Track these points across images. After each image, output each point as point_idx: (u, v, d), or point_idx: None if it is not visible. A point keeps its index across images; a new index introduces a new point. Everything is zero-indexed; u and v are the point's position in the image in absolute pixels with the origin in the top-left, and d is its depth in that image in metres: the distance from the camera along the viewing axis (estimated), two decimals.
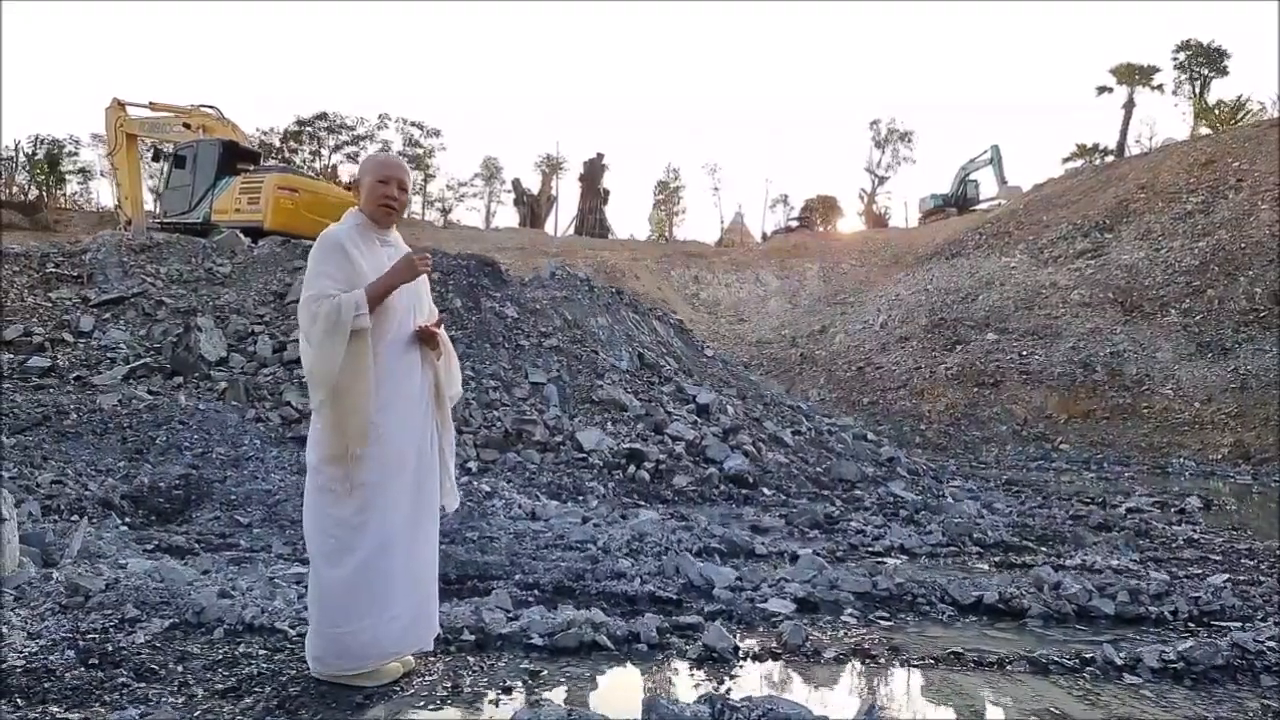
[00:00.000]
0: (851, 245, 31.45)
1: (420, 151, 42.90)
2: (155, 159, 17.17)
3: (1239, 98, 34.16)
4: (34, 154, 39.02)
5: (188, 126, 14.71)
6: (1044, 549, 5.40)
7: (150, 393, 7.52)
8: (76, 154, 40.47)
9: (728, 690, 2.59)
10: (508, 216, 48.47)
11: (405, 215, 2.84)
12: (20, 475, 5.42)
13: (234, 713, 2.32)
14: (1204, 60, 35.91)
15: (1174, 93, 37.39)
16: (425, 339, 2.62)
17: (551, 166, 44.98)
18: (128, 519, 5.06)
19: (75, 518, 4.75)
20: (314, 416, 2.58)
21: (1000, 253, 23.26)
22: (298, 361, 8.34)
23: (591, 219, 39.11)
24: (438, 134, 44.38)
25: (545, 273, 11.73)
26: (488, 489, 6.22)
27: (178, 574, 3.38)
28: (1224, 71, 36.01)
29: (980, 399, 17.28)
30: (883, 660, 2.96)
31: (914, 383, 18.55)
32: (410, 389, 2.59)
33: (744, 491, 7.44)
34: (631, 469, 7.55)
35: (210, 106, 15.02)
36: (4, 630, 2.76)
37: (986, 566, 4.85)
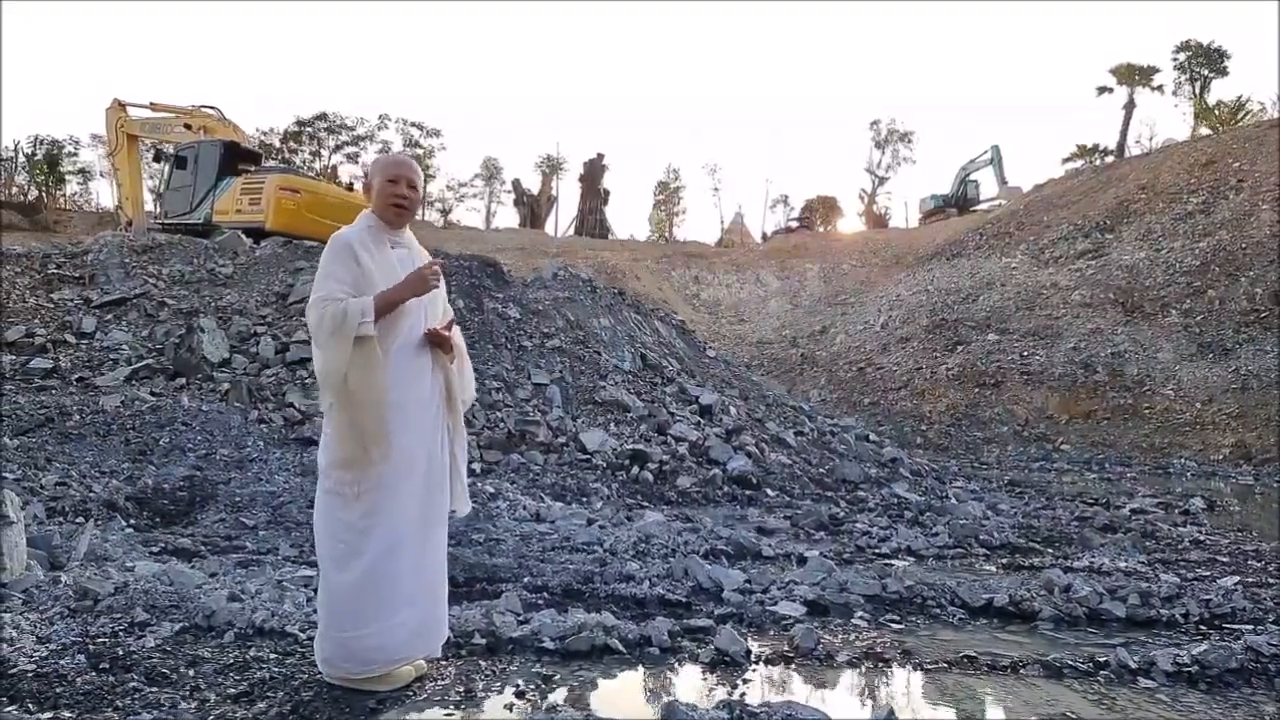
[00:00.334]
0: (852, 246, 31.45)
1: (420, 152, 42.87)
2: (156, 160, 17.15)
3: (1239, 98, 34.22)
4: (33, 154, 38.98)
5: (189, 127, 14.70)
6: (1051, 551, 5.39)
7: (153, 394, 7.50)
8: (76, 154, 40.48)
9: (742, 695, 2.58)
10: (508, 217, 48.53)
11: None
12: (24, 477, 5.41)
13: (247, 717, 2.30)
14: (1204, 60, 35.95)
15: (1174, 93, 37.48)
16: (437, 342, 2.61)
17: (551, 167, 44.99)
18: (132, 521, 5.04)
19: (80, 520, 4.74)
20: (325, 420, 2.57)
21: (1001, 253, 23.27)
22: (300, 362, 8.33)
23: (592, 219, 39.11)
24: (438, 134, 44.48)
25: (547, 273, 11.72)
26: (492, 490, 6.20)
27: (186, 577, 3.36)
28: (1224, 72, 36.07)
29: (981, 399, 17.28)
30: (896, 664, 2.95)
31: (915, 383, 18.55)
32: (420, 392, 2.57)
33: (748, 493, 7.43)
34: (635, 470, 7.53)
35: (211, 107, 15.01)
36: (13, 634, 2.74)
37: (994, 568, 4.84)
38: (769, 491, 7.57)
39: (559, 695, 2.57)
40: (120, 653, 2.67)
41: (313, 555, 4.22)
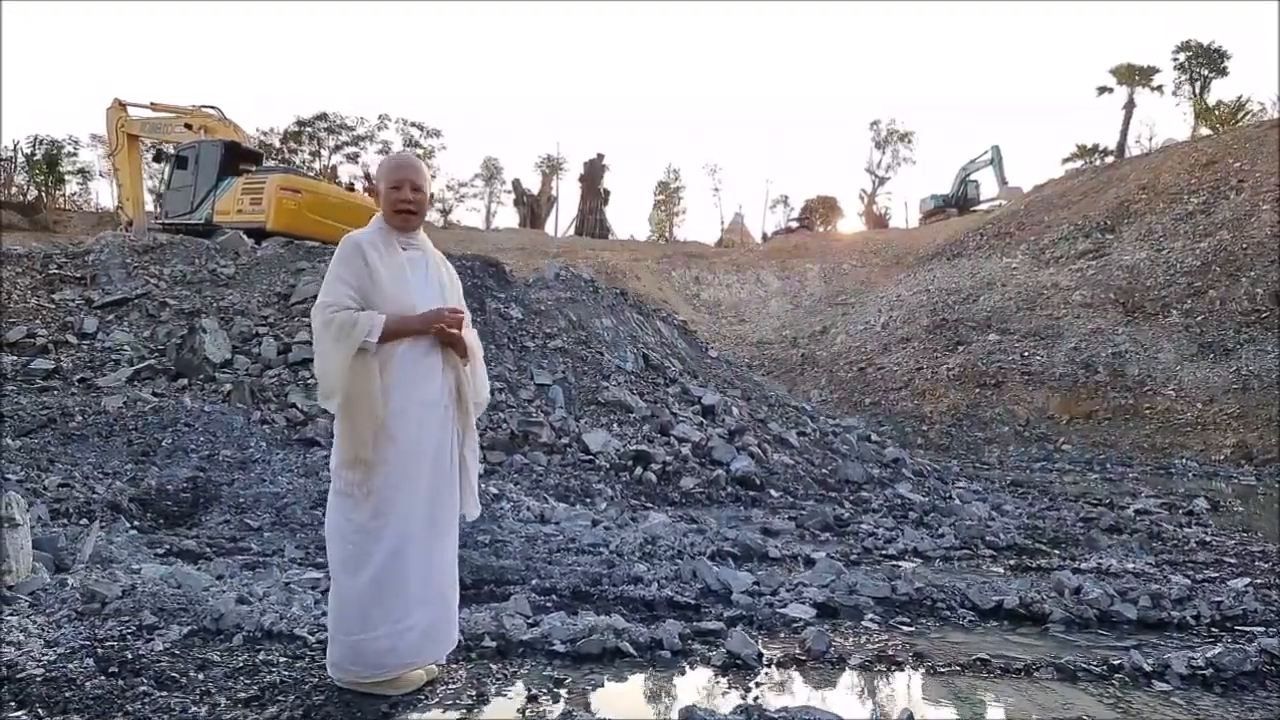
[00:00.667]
0: (852, 246, 31.45)
1: (420, 152, 42.83)
2: (156, 160, 17.13)
3: (1239, 98, 34.24)
4: (33, 154, 38.93)
5: (189, 127, 14.68)
6: (1057, 552, 5.38)
7: (155, 395, 7.48)
8: (75, 154, 40.42)
9: (756, 699, 2.57)
10: (508, 217, 48.48)
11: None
12: (27, 478, 5.39)
13: None
14: (1204, 61, 35.97)
15: (1174, 93, 37.48)
16: (449, 342, 2.58)
17: (552, 167, 44.98)
18: (136, 522, 5.02)
19: (84, 521, 4.72)
20: (335, 420, 2.56)
21: (1001, 253, 23.27)
22: (302, 363, 8.31)
23: (592, 219, 39.10)
24: (438, 134, 44.46)
25: (549, 274, 11.70)
26: (495, 491, 6.18)
27: (193, 579, 3.34)
28: (1224, 72, 36.10)
29: (982, 400, 17.27)
30: (908, 667, 2.93)
31: (916, 383, 18.53)
32: (428, 393, 2.55)
33: (751, 493, 7.42)
34: (638, 471, 7.51)
35: (212, 107, 14.98)
36: (21, 637, 2.72)
37: (1002, 570, 4.83)
38: (772, 492, 7.56)
39: (572, 699, 2.56)
40: (129, 656, 2.64)
41: (319, 557, 4.22)
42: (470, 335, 2.66)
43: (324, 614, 3.09)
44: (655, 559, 4.43)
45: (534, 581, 3.84)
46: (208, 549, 4.35)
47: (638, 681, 2.75)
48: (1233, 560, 5.23)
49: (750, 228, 45.19)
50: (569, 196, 43.72)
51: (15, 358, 7.94)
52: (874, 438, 10.97)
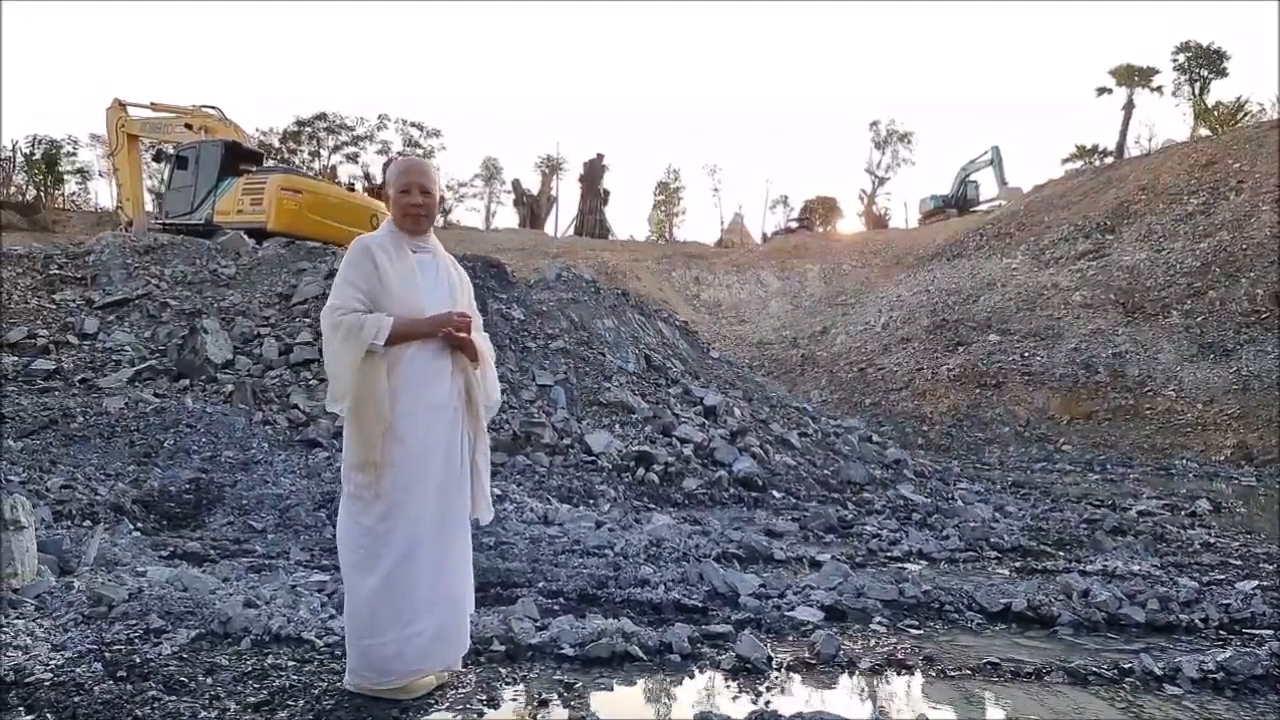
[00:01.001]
0: (852, 246, 31.44)
1: (420, 152, 42.80)
2: (156, 160, 17.10)
3: (1238, 99, 34.26)
4: (32, 154, 38.87)
5: (189, 127, 14.64)
6: (1062, 554, 5.38)
7: (156, 395, 7.46)
8: (74, 154, 40.36)
9: (768, 703, 2.56)
10: (507, 217, 48.45)
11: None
12: (30, 480, 5.37)
13: None
14: (1203, 62, 35.99)
15: (1173, 94, 37.50)
16: (459, 346, 2.57)
17: (551, 167, 44.96)
18: (139, 524, 5.00)
19: (88, 523, 4.70)
20: (345, 423, 2.55)
21: (1001, 254, 23.27)
22: (304, 364, 8.29)
23: (591, 220, 39.09)
24: (438, 134, 44.36)
25: (551, 274, 11.69)
26: (498, 492, 6.17)
27: (200, 582, 3.33)
28: (1223, 73, 36.11)
29: (982, 400, 17.27)
30: (918, 671, 2.93)
31: (916, 384, 18.53)
32: (436, 396, 2.54)
33: (754, 494, 7.41)
34: (641, 472, 7.50)
35: (212, 107, 14.95)
36: (28, 641, 2.71)
37: (1007, 572, 4.82)
38: (775, 493, 7.55)
39: (582, 703, 2.55)
40: (137, 660, 2.63)
41: (324, 559, 4.21)
42: (481, 339, 2.65)
43: (331, 617, 3.09)
44: (661, 561, 4.42)
45: (540, 584, 3.83)
46: (212, 551, 4.34)
47: (648, 686, 2.74)
48: (1238, 562, 5.23)
49: (750, 228, 45.22)
50: (569, 197, 43.74)
51: (16, 358, 7.92)
52: (875, 438, 10.97)
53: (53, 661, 2.59)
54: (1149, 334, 17.56)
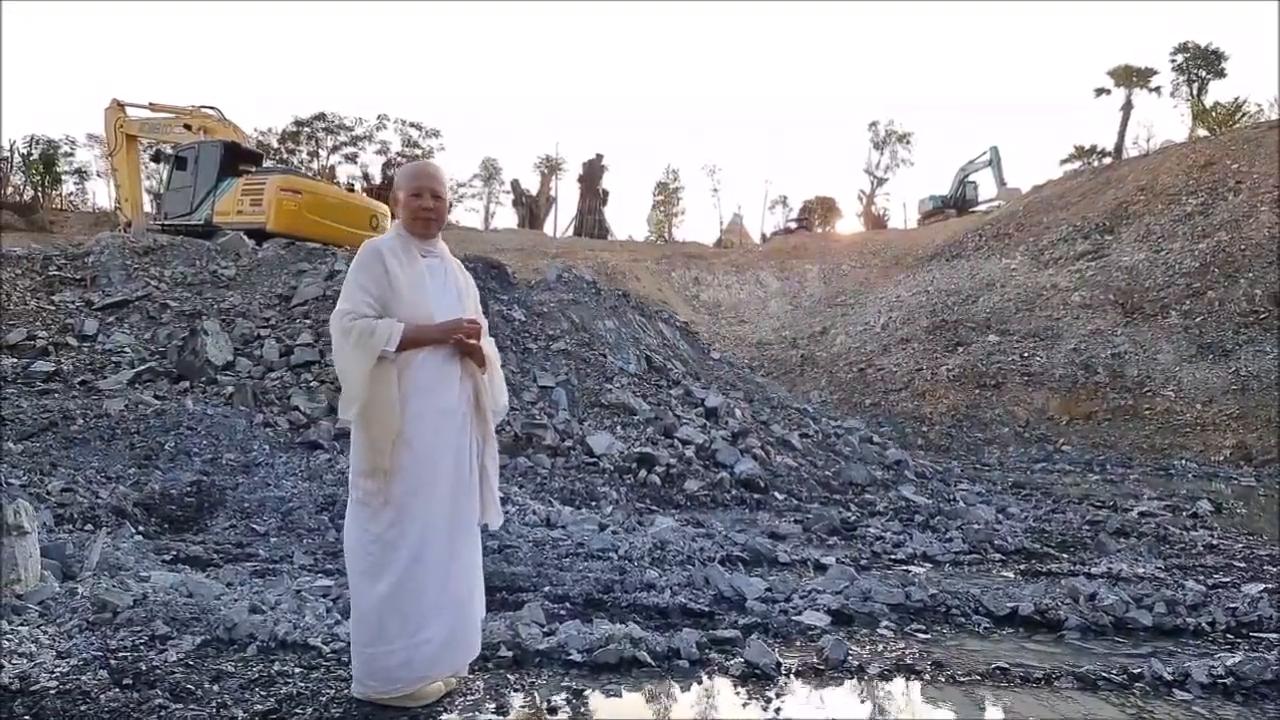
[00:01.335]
0: (851, 246, 31.46)
1: (419, 152, 42.75)
2: (155, 160, 17.05)
3: (1236, 99, 34.32)
4: (29, 154, 38.77)
5: (188, 128, 14.61)
6: (1066, 556, 5.37)
7: (157, 397, 7.43)
8: (72, 154, 40.26)
9: (778, 710, 2.55)
10: (506, 217, 48.45)
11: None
12: (30, 483, 5.34)
13: None
14: (1201, 62, 36.04)
15: (1172, 95, 37.55)
16: (467, 351, 2.56)
17: (550, 167, 44.91)
18: (141, 527, 4.98)
19: (89, 527, 4.68)
20: (352, 428, 2.53)
21: (1000, 254, 23.29)
22: (305, 365, 8.27)
23: (591, 220, 39.07)
24: (437, 134, 44.26)
25: (551, 275, 11.67)
26: (501, 495, 6.15)
27: (205, 588, 3.31)
28: (1221, 74, 36.16)
29: (982, 400, 17.27)
30: (928, 677, 2.91)
31: (915, 384, 18.53)
32: (445, 401, 2.53)
33: (755, 496, 7.40)
34: (643, 473, 7.49)
35: (211, 107, 14.92)
36: (33, 649, 2.69)
37: (1012, 575, 4.81)
38: (777, 495, 7.54)
39: (592, 710, 2.53)
40: (143, 668, 2.61)
41: (328, 564, 4.19)
42: (488, 344, 2.63)
43: (337, 623, 3.07)
44: (666, 565, 4.41)
45: (546, 589, 3.81)
46: (215, 555, 4.32)
47: (657, 692, 2.73)
48: (1241, 564, 5.22)
49: (749, 228, 45.22)
50: (568, 197, 43.71)
51: (15, 360, 7.89)
52: (875, 439, 10.96)
53: (58, 669, 2.57)
54: (1148, 334, 17.58)
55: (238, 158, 13.97)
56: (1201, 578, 4.68)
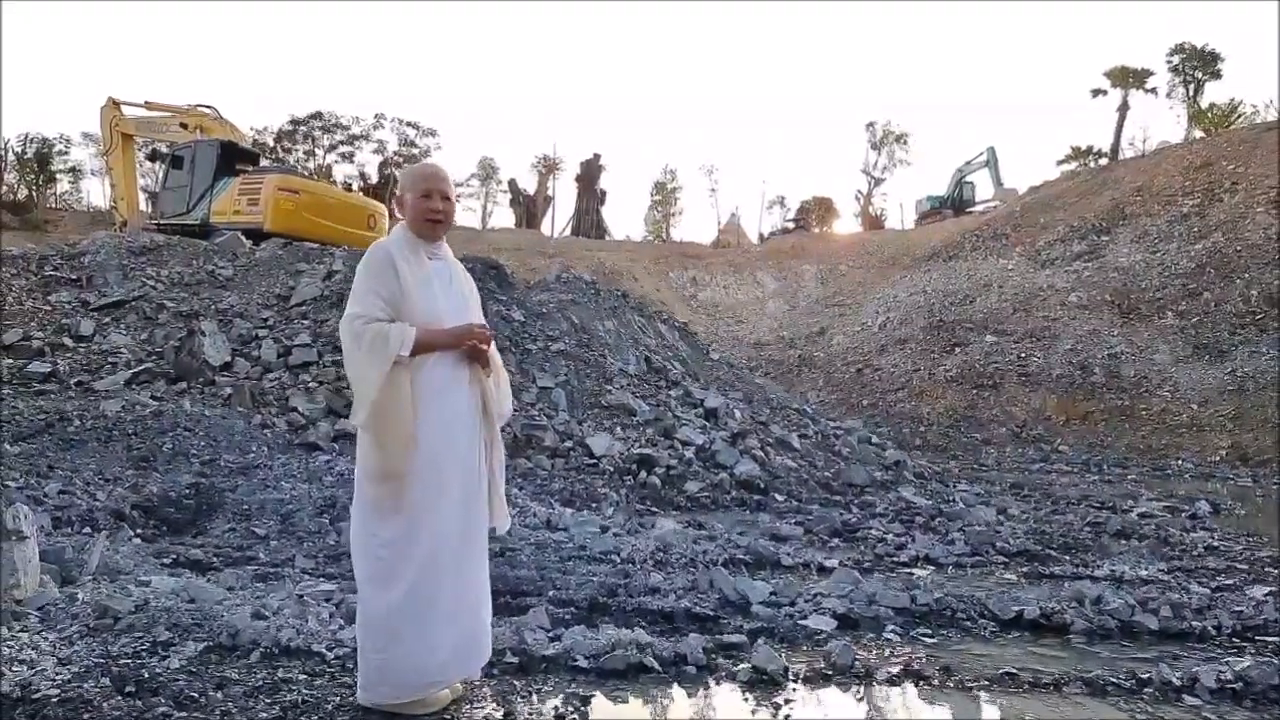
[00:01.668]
0: (849, 247, 31.48)
1: (416, 152, 42.63)
2: (151, 159, 16.97)
3: (1232, 101, 34.43)
4: (24, 153, 38.57)
5: (185, 126, 14.55)
6: (1068, 558, 5.36)
7: (154, 398, 7.39)
8: (67, 153, 40.07)
9: (787, 716, 2.53)
10: (504, 217, 48.35)
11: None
12: (27, 485, 5.30)
13: None
14: (1198, 63, 36.13)
15: (1168, 96, 37.63)
16: (474, 356, 2.54)
17: (548, 167, 44.85)
18: (139, 530, 4.94)
19: (88, 530, 4.64)
20: (359, 432, 2.51)
21: (997, 255, 23.32)
22: (303, 366, 8.23)
23: (588, 220, 39.02)
24: (434, 134, 44.04)
25: (550, 276, 11.65)
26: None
27: (206, 593, 3.28)
28: (1217, 75, 36.25)
29: (979, 401, 17.30)
30: (936, 682, 2.90)
31: (913, 385, 18.56)
32: (455, 406, 2.51)
33: (756, 497, 7.38)
34: (643, 475, 7.47)
35: (208, 106, 14.86)
36: (34, 655, 2.66)
37: (1015, 577, 4.80)
38: (777, 496, 7.53)
39: (600, 717, 2.51)
40: (145, 675, 2.59)
41: (329, 567, 4.16)
42: (492, 350, 2.62)
43: (341, 628, 3.04)
44: (669, 568, 4.39)
45: (550, 593, 3.79)
46: (215, 559, 4.29)
47: (665, 699, 2.71)
48: (1244, 566, 5.22)
49: (747, 228, 45.21)
50: (565, 196, 43.71)
51: (11, 361, 7.84)
52: (874, 440, 10.95)
53: (59, 676, 2.54)
54: (1144, 335, 17.62)
55: (234, 157, 13.91)
56: (1205, 580, 4.68)
